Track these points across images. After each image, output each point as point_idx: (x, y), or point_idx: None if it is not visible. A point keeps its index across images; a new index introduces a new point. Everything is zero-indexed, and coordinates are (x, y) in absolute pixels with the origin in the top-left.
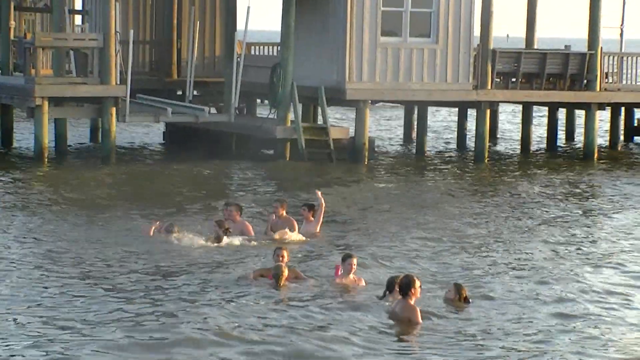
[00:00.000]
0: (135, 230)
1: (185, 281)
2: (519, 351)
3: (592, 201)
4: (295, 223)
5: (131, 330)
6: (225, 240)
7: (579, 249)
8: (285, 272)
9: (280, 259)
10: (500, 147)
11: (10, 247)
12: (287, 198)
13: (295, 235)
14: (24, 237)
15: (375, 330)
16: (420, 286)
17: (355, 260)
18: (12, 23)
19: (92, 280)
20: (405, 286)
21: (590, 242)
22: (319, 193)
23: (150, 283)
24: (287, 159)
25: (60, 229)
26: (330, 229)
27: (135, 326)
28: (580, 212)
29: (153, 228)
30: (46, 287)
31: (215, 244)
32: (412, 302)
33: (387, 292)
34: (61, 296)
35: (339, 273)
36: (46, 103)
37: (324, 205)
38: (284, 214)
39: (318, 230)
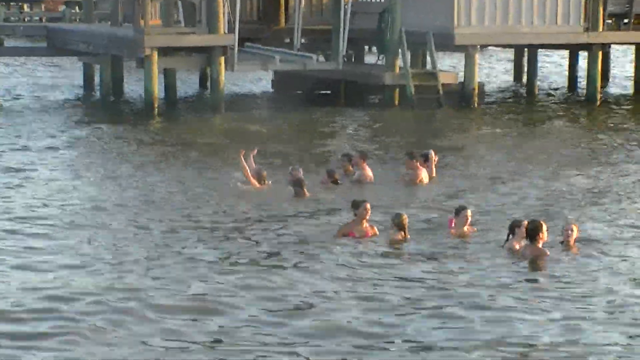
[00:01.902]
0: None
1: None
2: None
3: None
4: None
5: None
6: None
7: None
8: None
9: (367, 212)
10: (612, 90)
11: (120, 192)
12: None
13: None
14: (133, 184)
15: (512, 274)
16: (547, 229)
17: (469, 212)
18: None
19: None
20: (532, 231)
21: None
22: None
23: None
24: (396, 105)
25: (169, 176)
26: (441, 179)
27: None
28: None
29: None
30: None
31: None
32: (540, 245)
33: (510, 236)
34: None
35: (453, 225)
36: (155, 53)
37: (435, 159)
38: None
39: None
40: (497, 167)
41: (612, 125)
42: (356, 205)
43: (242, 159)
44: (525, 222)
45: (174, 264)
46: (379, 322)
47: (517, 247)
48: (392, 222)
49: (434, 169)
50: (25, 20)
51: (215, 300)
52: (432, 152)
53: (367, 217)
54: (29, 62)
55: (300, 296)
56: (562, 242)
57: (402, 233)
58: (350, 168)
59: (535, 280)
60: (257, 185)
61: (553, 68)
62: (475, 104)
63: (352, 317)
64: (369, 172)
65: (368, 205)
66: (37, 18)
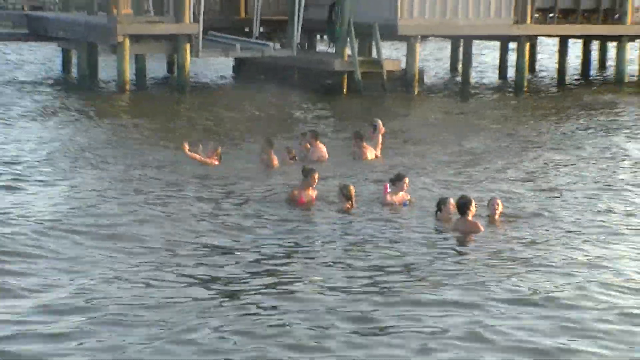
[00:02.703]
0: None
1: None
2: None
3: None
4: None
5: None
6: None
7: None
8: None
9: (314, 181)
10: (538, 79)
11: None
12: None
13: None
14: (107, 160)
15: (444, 243)
16: (476, 205)
17: (407, 180)
18: None
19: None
20: (463, 206)
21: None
22: (380, 122)
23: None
24: (344, 89)
25: (138, 153)
26: (385, 156)
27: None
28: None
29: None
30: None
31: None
32: (470, 218)
33: (438, 212)
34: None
35: (387, 191)
36: (127, 40)
37: (382, 130)
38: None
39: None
40: (434, 147)
41: (535, 109)
42: (305, 173)
43: (187, 153)
44: (451, 200)
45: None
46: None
47: (445, 220)
48: (340, 192)
49: (380, 138)
50: (7, 8)
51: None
52: (380, 122)
53: (314, 185)
54: (11, 46)
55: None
56: (488, 216)
57: (350, 203)
58: (308, 145)
59: (465, 250)
60: (216, 162)
61: (486, 59)
62: (416, 90)
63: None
64: (322, 149)
65: (316, 175)
66: (19, 7)
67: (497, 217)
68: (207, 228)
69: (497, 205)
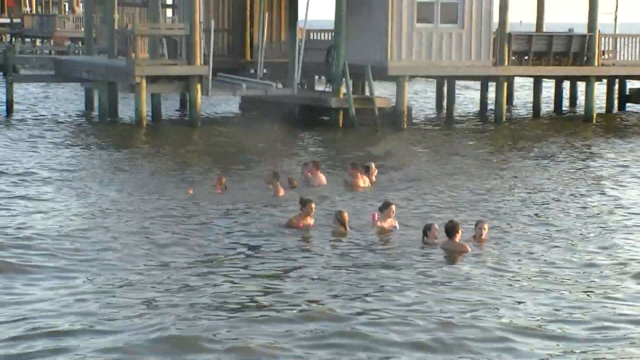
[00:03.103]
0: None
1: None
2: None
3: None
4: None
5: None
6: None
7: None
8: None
9: (311, 210)
10: (515, 112)
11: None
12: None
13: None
14: (122, 186)
15: (436, 265)
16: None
17: (393, 207)
18: (116, 16)
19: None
20: (452, 229)
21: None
22: (374, 166)
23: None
24: (340, 124)
25: (153, 180)
26: (377, 185)
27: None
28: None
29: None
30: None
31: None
32: (458, 240)
33: (425, 237)
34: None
35: (376, 219)
36: (144, 81)
37: (375, 171)
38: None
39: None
40: (422, 177)
41: (513, 138)
42: (303, 202)
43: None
44: (435, 225)
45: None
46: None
47: (431, 244)
48: (335, 218)
49: (373, 179)
50: (37, 52)
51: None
52: (372, 165)
53: (311, 214)
54: (40, 88)
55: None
56: (474, 237)
57: (344, 227)
58: (309, 174)
59: (454, 270)
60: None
61: (468, 96)
62: (405, 124)
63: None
64: (322, 177)
65: (313, 205)
66: (47, 51)
67: (483, 238)
68: (213, 245)
69: (484, 229)
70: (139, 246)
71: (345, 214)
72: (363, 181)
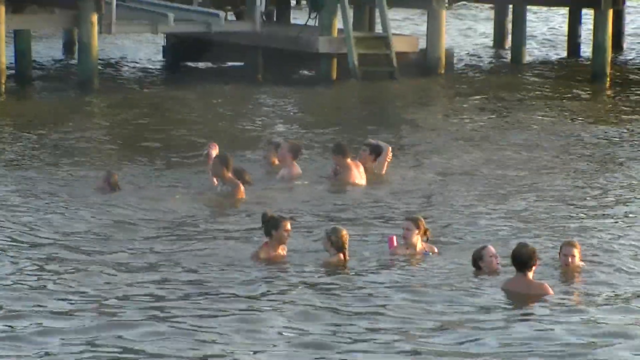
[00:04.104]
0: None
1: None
2: None
3: None
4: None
5: None
6: None
7: None
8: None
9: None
10: (625, 57)
11: None
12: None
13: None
14: None
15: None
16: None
17: (424, 223)
18: None
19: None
20: (527, 258)
21: None
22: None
23: None
24: (334, 81)
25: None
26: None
27: None
28: None
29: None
30: None
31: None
32: (531, 277)
33: (477, 269)
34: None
35: (395, 244)
36: (2, 8)
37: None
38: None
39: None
40: (463, 166)
41: (624, 112)
42: (274, 224)
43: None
44: (490, 248)
45: None
46: None
47: (492, 271)
48: (328, 239)
49: (384, 169)
50: None
51: None
52: (389, 148)
53: (286, 241)
54: None
55: None
56: (560, 267)
57: (342, 255)
58: (276, 161)
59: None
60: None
61: (546, 30)
62: (441, 80)
63: None
64: (296, 167)
65: (288, 225)
66: None
67: (573, 267)
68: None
69: (573, 255)
70: None
71: (345, 233)
72: (355, 173)
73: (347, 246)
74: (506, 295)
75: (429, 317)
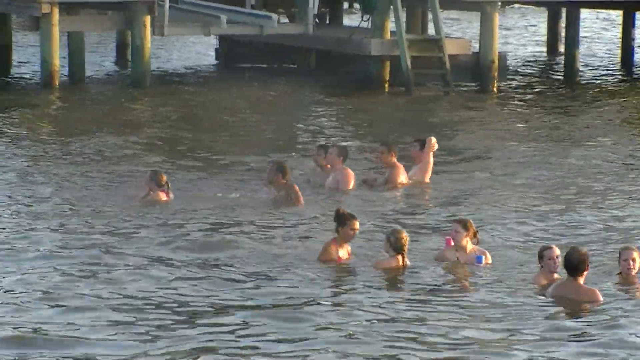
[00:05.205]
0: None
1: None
2: None
3: None
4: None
5: None
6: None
7: None
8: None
9: (354, 233)
10: None
11: None
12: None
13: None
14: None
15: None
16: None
17: (474, 226)
18: None
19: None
20: (580, 264)
21: None
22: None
23: None
24: (385, 84)
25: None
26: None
27: None
28: None
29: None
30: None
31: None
32: (582, 282)
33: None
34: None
35: (451, 245)
36: (56, 10)
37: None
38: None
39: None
40: (515, 173)
41: None
42: (342, 220)
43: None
44: (555, 249)
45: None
46: None
47: (544, 281)
48: (388, 242)
49: (430, 159)
50: None
51: None
52: (433, 139)
53: (351, 239)
54: None
55: None
56: (619, 274)
57: (401, 258)
58: (328, 166)
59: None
60: (164, 198)
61: (600, 34)
62: (494, 85)
63: None
64: (349, 172)
65: (357, 224)
66: None
67: (634, 274)
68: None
69: (633, 260)
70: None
71: (405, 235)
72: (402, 173)
73: (406, 248)
74: (554, 300)
75: (483, 326)
